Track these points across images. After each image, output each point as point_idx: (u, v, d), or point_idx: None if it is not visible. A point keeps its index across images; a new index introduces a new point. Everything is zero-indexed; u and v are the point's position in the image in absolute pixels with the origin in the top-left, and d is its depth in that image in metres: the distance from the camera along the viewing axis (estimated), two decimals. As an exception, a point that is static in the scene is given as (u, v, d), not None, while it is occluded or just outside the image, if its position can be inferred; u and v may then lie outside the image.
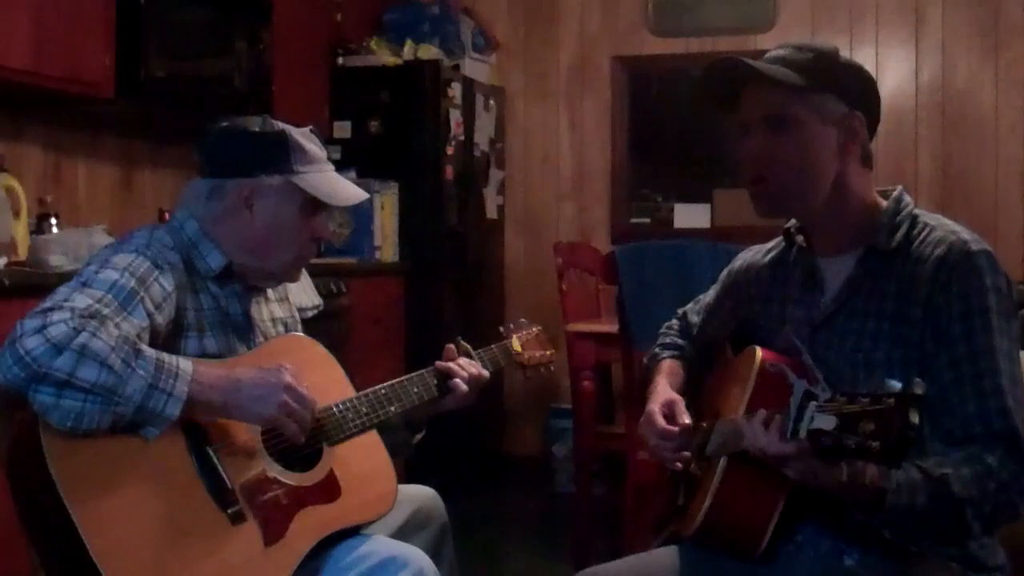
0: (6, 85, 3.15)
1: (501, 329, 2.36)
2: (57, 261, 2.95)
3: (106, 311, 1.68)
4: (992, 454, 1.57)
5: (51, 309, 1.64)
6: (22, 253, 3.09)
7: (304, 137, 1.98)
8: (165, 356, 1.69)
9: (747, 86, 1.78)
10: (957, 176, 5.14)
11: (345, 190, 2.00)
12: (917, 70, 5.18)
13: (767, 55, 1.79)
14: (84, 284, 1.73)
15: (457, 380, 2.12)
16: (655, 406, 1.90)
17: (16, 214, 3.13)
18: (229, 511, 1.73)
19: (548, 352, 2.40)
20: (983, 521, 1.57)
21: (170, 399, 1.66)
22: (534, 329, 2.40)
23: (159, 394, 1.65)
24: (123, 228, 3.65)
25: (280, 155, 1.93)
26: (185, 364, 1.70)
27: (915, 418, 1.33)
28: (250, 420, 1.77)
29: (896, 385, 1.36)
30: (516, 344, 2.33)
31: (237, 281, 1.98)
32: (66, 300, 1.67)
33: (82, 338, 1.60)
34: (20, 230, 3.13)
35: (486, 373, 2.18)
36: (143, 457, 1.68)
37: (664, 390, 1.96)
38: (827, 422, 1.41)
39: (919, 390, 1.35)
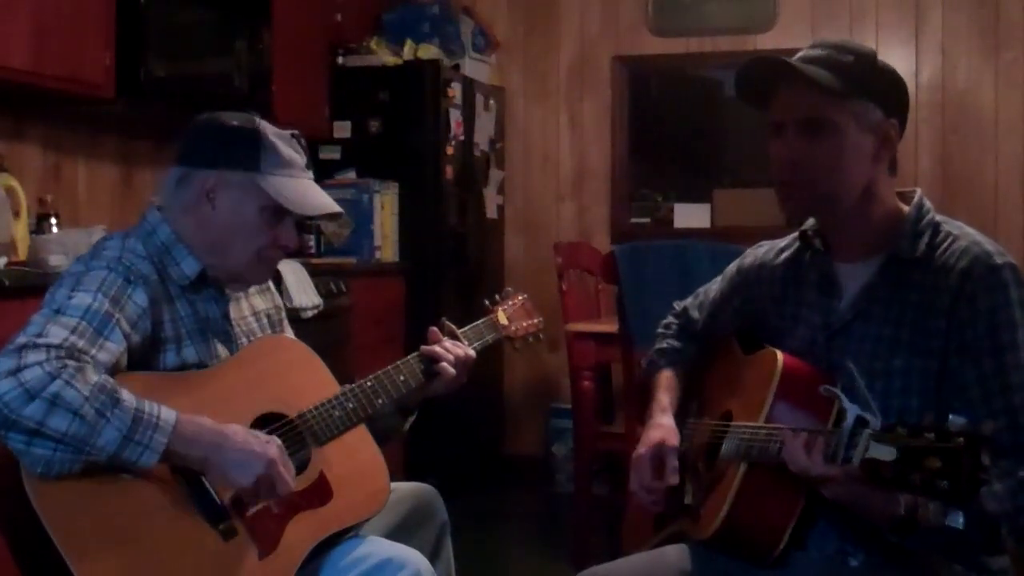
0: (6, 85, 3.15)
1: (486, 303, 2.30)
2: (57, 261, 2.95)
3: (82, 343, 1.65)
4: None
5: (25, 347, 1.60)
6: (22, 253, 3.09)
7: (282, 140, 1.92)
8: (147, 405, 1.64)
9: (782, 85, 1.74)
10: (957, 176, 5.13)
11: (313, 198, 1.93)
12: (917, 70, 5.18)
13: (803, 54, 1.75)
14: (58, 312, 1.69)
15: (444, 364, 2.08)
16: (646, 450, 1.87)
17: (16, 214, 3.12)
18: (220, 527, 1.71)
19: (535, 320, 2.35)
20: (1017, 535, 1.57)
21: (146, 451, 1.62)
22: (519, 298, 2.35)
23: (134, 446, 1.61)
24: (123, 228, 3.65)
25: (248, 152, 1.88)
26: (167, 415, 1.66)
27: (986, 460, 1.32)
28: (223, 482, 1.72)
29: (960, 421, 1.35)
30: (502, 317, 2.28)
31: (212, 285, 1.94)
32: (40, 335, 1.63)
33: (55, 386, 1.57)
34: (20, 230, 3.13)
35: (472, 353, 2.14)
36: (128, 479, 1.66)
37: (659, 422, 1.93)
38: (885, 453, 1.40)
39: (988, 431, 1.34)
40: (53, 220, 3.28)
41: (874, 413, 1.45)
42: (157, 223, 1.91)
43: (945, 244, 1.71)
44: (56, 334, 1.64)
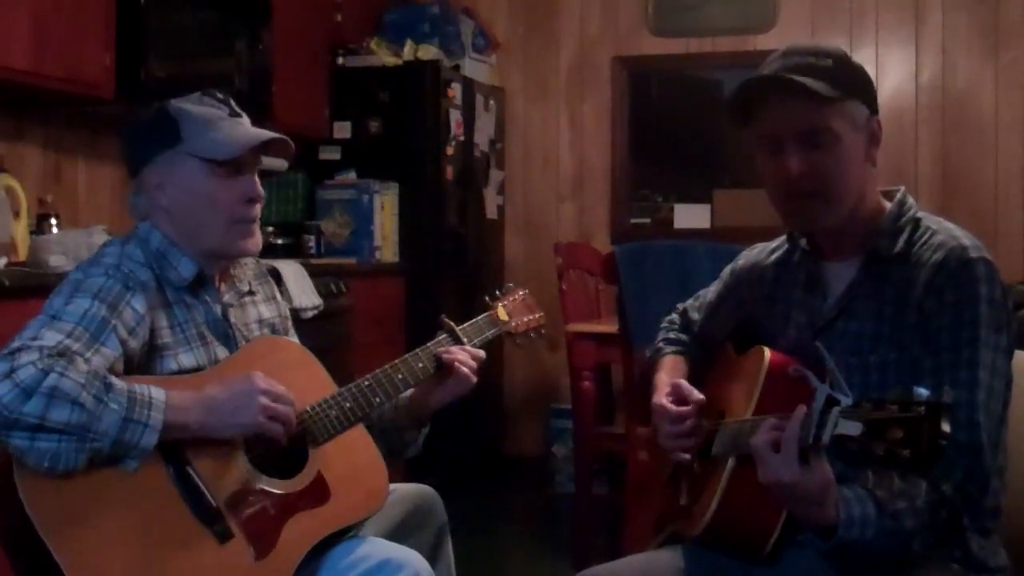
0: (6, 85, 3.15)
1: (487, 299, 2.27)
2: (57, 261, 2.95)
3: (76, 346, 1.66)
4: (949, 480, 1.57)
5: (19, 350, 1.62)
6: (22, 253, 3.08)
7: (190, 102, 1.92)
8: (137, 387, 1.67)
9: (772, 100, 1.71)
10: (957, 176, 5.13)
11: (242, 136, 1.91)
12: (917, 70, 5.18)
13: (780, 64, 1.72)
14: (54, 318, 1.71)
15: (456, 364, 2.05)
16: (661, 397, 1.90)
17: (16, 214, 3.12)
18: (215, 529, 1.71)
19: (537, 315, 2.32)
20: (927, 546, 1.59)
21: (146, 429, 1.64)
22: (520, 293, 2.32)
23: (134, 425, 1.63)
24: (123, 228, 3.64)
25: (164, 130, 1.89)
26: (157, 392, 1.68)
27: (946, 427, 1.33)
28: (233, 433, 1.74)
29: (923, 393, 1.36)
30: (502, 312, 2.25)
31: (210, 287, 1.95)
32: (34, 338, 1.65)
33: (51, 380, 1.58)
34: (20, 230, 3.13)
35: (481, 353, 2.11)
36: (122, 485, 1.66)
37: (666, 382, 1.96)
38: (852, 428, 1.40)
39: (948, 399, 1.35)
40: (53, 220, 3.28)
41: (845, 391, 1.45)
42: (148, 231, 1.93)
43: (924, 238, 1.72)
44: (50, 337, 1.65)
